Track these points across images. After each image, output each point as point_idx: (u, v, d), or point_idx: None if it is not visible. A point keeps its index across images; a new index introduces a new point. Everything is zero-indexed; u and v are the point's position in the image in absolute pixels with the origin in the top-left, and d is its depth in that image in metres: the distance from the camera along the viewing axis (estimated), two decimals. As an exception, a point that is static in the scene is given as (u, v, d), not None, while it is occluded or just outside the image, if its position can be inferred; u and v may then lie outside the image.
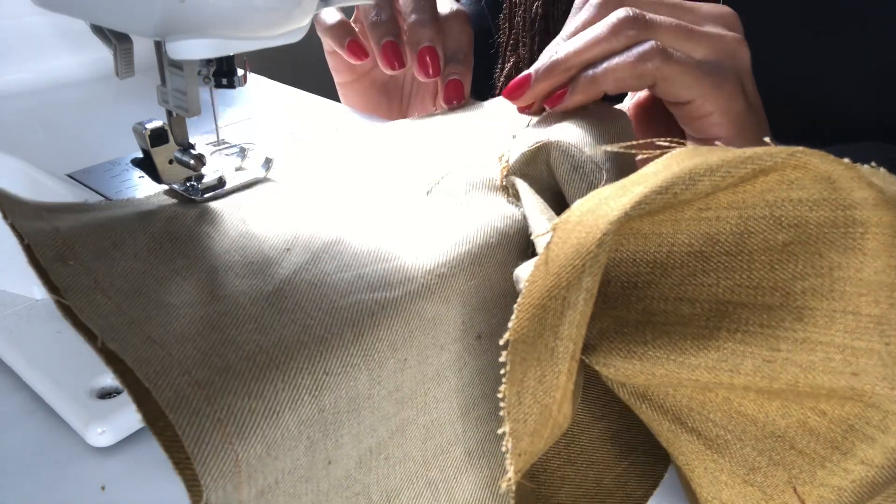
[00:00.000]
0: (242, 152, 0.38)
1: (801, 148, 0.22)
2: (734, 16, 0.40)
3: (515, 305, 0.23)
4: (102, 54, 0.33)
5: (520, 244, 0.33)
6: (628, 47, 0.37)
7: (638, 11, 0.37)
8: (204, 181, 0.35)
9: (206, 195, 0.35)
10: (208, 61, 0.32)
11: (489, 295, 0.31)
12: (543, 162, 0.35)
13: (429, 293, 0.29)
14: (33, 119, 0.48)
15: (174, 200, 0.34)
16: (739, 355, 0.22)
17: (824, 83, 0.51)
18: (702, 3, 0.40)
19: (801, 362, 0.22)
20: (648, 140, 0.30)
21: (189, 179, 0.35)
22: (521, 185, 0.34)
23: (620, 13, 0.37)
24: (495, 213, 0.34)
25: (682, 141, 0.26)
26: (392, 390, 0.28)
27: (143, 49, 0.33)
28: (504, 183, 0.36)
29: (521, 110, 0.42)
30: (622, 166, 0.34)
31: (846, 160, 0.22)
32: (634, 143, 0.29)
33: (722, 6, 0.40)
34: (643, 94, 0.44)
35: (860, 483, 0.23)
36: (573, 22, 0.40)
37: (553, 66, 0.39)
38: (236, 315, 0.26)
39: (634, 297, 0.25)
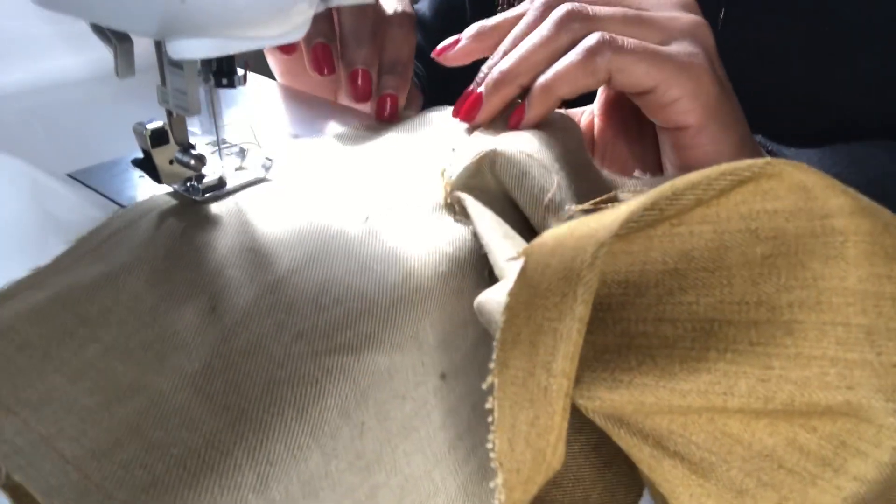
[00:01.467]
0: (242, 152, 0.38)
1: (772, 158, 0.21)
2: (691, 2, 0.38)
3: (495, 342, 0.21)
4: (102, 54, 0.33)
5: (475, 265, 0.31)
6: (575, 43, 0.35)
7: (580, 5, 0.35)
8: (204, 181, 0.35)
9: (206, 195, 0.35)
10: (208, 61, 0.32)
11: (448, 328, 0.29)
12: (488, 172, 0.33)
13: (378, 344, 0.27)
14: (33, 119, 0.48)
15: (166, 204, 0.34)
16: (732, 376, 0.21)
17: (832, 80, 0.50)
18: None
19: (795, 379, 0.21)
20: (606, 197, 0.29)
21: (189, 179, 0.35)
22: (470, 202, 0.32)
23: (561, 10, 0.35)
24: (443, 238, 0.31)
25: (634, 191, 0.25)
26: (353, 460, 0.25)
27: (143, 49, 0.33)
28: (449, 200, 0.34)
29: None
30: (576, 169, 0.33)
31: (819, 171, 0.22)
32: (599, 199, 0.29)
33: None
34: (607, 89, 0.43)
35: (852, 500, 0.22)
36: (517, 28, 0.38)
37: (500, 80, 0.37)
38: (159, 409, 0.24)
39: (610, 319, 0.24)
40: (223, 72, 0.32)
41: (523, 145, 0.33)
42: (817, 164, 0.36)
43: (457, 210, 0.33)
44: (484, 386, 0.21)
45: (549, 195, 0.31)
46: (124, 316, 0.28)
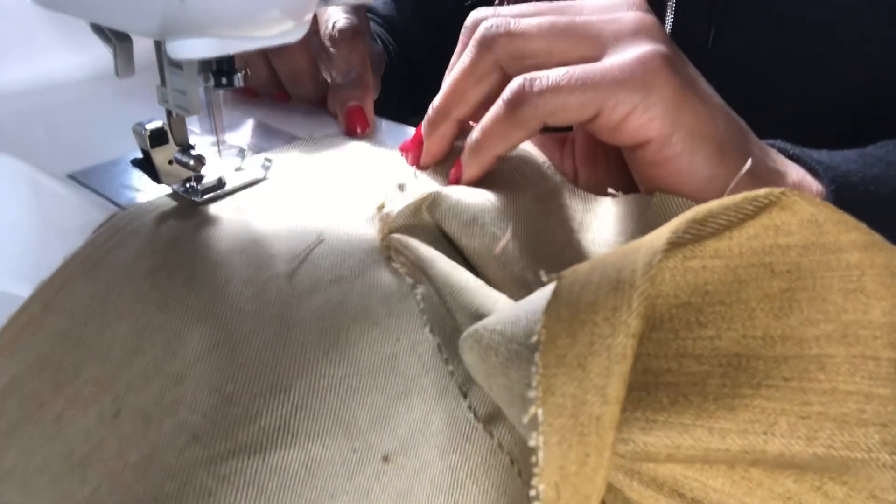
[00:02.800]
0: (242, 153, 0.38)
1: (787, 189, 0.21)
2: (641, 1, 0.34)
3: (534, 367, 0.19)
4: (102, 54, 0.32)
5: (411, 325, 0.28)
6: (499, 64, 0.32)
7: (500, 21, 0.32)
8: (204, 182, 0.35)
9: (205, 196, 0.35)
10: (208, 61, 0.32)
11: (382, 403, 0.26)
12: (426, 212, 0.31)
13: (290, 436, 0.24)
14: (33, 119, 0.48)
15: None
16: (771, 413, 0.20)
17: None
18: None
19: (834, 416, 0.20)
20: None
21: (189, 180, 0.35)
22: (417, 247, 0.29)
23: (480, 30, 0.32)
24: (376, 293, 0.29)
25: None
26: None
27: (143, 49, 0.33)
28: (385, 241, 0.31)
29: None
30: (533, 216, 0.31)
31: (830, 204, 0.22)
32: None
33: None
34: None
35: None
36: (454, 57, 0.36)
37: (433, 118, 0.35)
38: None
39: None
40: (223, 72, 0.32)
41: (472, 191, 0.31)
42: (857, 165, 0.33)
43: (393, 254, 0.30)
44: (525, 420, 0.18)
45: (502, 244, 0.29)
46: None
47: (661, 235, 0.20)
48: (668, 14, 0.51)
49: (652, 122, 0.29)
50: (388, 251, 0.31)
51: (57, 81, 0.54)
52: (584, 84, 0.29)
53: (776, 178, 0.32)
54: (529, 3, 0.34)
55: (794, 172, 0.33)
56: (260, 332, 0.27)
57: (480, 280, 0.28)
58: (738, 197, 0.21)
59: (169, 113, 0.33)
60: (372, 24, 0.63)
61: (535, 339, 0.19)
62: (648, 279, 0.18)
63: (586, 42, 0.31)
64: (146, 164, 0.34)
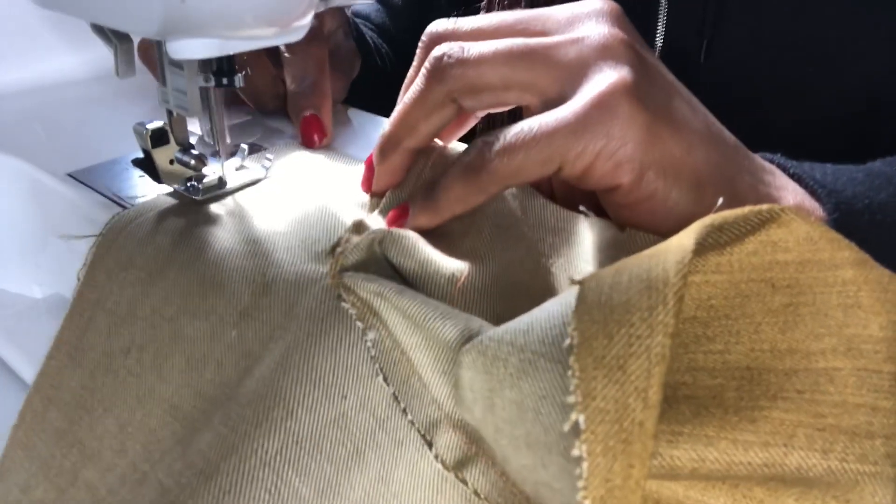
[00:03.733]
0: (242, 152, 0.38)
1: (786, 207, 0.22)
2: (613, 10, 0.30)
3: (571, 372, 0.18)
4: (102, 54, 0.33)
5: (361, 386, 0.26)
6: (451, 96, 0.30)
7: (454, 47, 0.29)
8: (204, 181, 0.35)
9: (206, 195, 0.35)
10: (208, 61, 0.32)
11: (335, 469, 0.25)
12: (378, 248, 0.29)
13: None
14: (33, 119, 0.48)
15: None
16: (789, 425, 0.20)
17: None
18: (562, 7, 0.31)
19: (846, 428, 0.20)
20: None
21: (189, 180, 0.35)
22: (372, 283, 0.27)
23: (431, 57, 0.30)
24: (320, 351, 0.26)
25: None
26: None
27: (143, 49, 0.33)
28: (335, 280, 0.28)
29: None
30: (487, 251, 0.29)
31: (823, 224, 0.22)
32: None
33: (593, 1, 0.31)
34: None
35: None
36: (407, 77, 0.34)
37: (383, 147, 0.32)
38: None
39: None
40: (223, 71, 0.32)
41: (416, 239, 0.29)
42: (863, 187, 0.31)
43: (343, 293, 0.28)
44: (566, 427, 0.17)
45: (459, 284, 0.27)
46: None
47: (687, 237, 0.20)
48: (659, 28, 0.50)
49: (618, 167, 0.27)
50: (338, 289, 0.28)
51: (57, 81, 0.54)
52: (541, 139, 0.27)
53: (769, 202, 0.30)
54: (490, 16, 0.32)
55: (792, 196, 0.30)
56: (208, 415, 0.27)
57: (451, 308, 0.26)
58: (746, 209, 0.21)
59: (169, 113, 0.33)
60: (366, 31, 0.63)
61: (567, 342, 0.18)
62: (681, 277, 0.18)
63: (545, 74, 0.28)
64: (147, 164, 0.34)
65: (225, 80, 0.32)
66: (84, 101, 0.52)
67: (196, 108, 0.32)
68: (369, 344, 0.26)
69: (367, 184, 0.34)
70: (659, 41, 0.50)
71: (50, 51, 0.55)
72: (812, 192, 0.30)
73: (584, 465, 0.16)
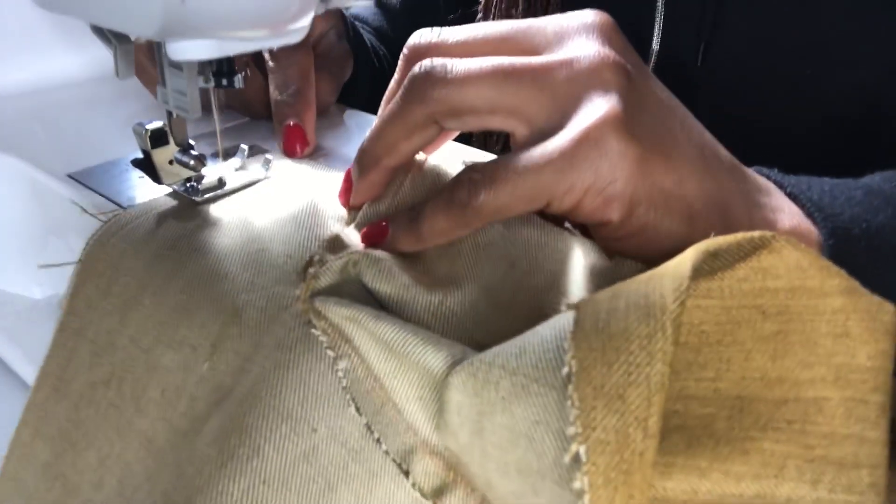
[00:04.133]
0: (242, 153, 0.38)
1: (776, 234, 0.22)
2: (604, 24, 0.29)
3: (569, 401, 0.17)
4: (102, 54, 0.33)
5: (333, 440, 0.25)
6: (433, 118, 0.28)
7: (437, 64, 0.28)
8: (204, 182, 0.35)
9: (206, 196, 0.35)
10: (208, 62, 0.32)
11: None
12: (355, 275, 0.28)
13: None
14: (33, 119, 0.48)
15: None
16: (780, 457, 0.20)
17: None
18: (552, 19, 0.29)
19: (834, 459, 0.20)
20: None
21: (189, 180, 0.35)
22: (345, 308, 0.26)
23: (412, 74, 0.28)
24: (288, 382, 0.25)
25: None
26: None
27: (143, 49, 0.33)
28: (306, 304, 0.27)
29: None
30: (468, 274, 0.28)
31: (813, 251, 0.22)
32: None
33: (585, 12, 0.29)
34: None
35: None
36: (389, 88, 0.32)
37: (362, 163, 0.31)
38: None
39: None
40: (223, 72, 0.32)
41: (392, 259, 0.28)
42: (860, 209, 0.30)
43: (314, 319, 0.26)
44: (566, 459, 0.17)
45: (439, 308, 0.27)
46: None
47: (683, 263, 0.20)
48: (656, 31, 0.50)
49: (607, 204, 0.26)
50: (308, 314, 0.27)
51: (57, 81, 0.54)
52: (527, 176, 0.26)
53: (763, 229, 0.28)
54: (476, 28, 0.30)
55: (788, 219, 0.29)
56: (178, 450, 0.26)
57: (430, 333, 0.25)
58: (739, 236, 0.21)
59: (169, 113, 0.34)
60: (364, 33, 0.63)
61: (565, 370, 0.18)
62: (679, 304, 0.18)
63: (532, 100, 0.27)
64: (146, 165, 0.34)
65: (224, 82, 0.32)
66: (84, 101, 0.52)
67: (196, 110, 0.32)
68: (340, 374, 0.25)
69: (345, 196, 0.33)
70: (655, 44, 0.51)
71: (50, 51, 0.55)
72: (808, 214, 0.30)
73: (587, 497, 0.16)
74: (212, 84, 0.32)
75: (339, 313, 0.26)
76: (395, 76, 0.32)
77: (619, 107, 0.26)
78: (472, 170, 0.27)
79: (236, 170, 0.37)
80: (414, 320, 0.26)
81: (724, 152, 0.30)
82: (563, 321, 0.20)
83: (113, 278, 0.31)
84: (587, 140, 0.25)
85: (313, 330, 0.26)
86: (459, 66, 0.27)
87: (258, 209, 0.34)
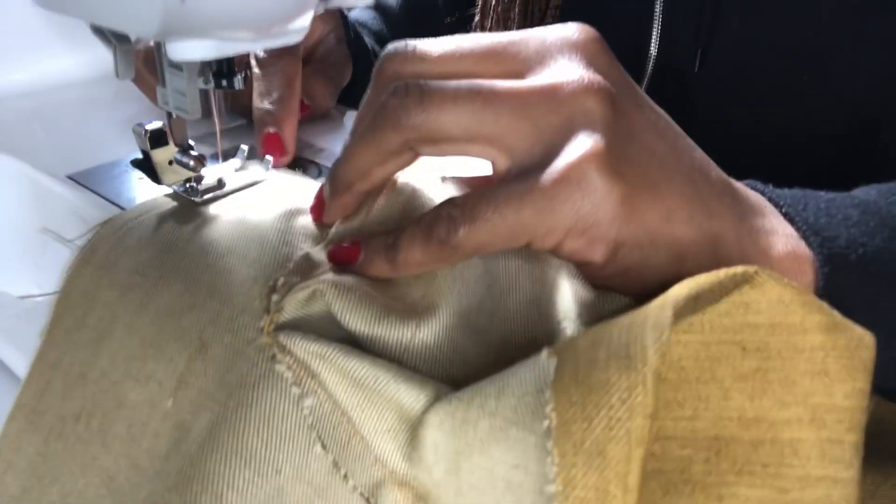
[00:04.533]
0: (242, 153, 0.38)
1: (759, 268, 0.22)
2: (588, 41, 0.27)
3: (550, 458, 0.17)
4: (102, 54, 0.33)
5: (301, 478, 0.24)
6: (409, 145, 0.27)
7: (406, 93, 0.26)
8: (203, 182, 0.35)
9: (205, 196, 0.35)
10: (208, 62, 0.32)
11: None
12: (324, 307, 0.26)
13: None
14: (33, 119, 0.48)
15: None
16: (755, 502, 0.20)
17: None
18: (534, 34, 0.28)
19: (809, 501, 0.20)
20: None
21: (189, 180, 0.35)
22: (312, 344, 0.25)
23: (386, 98, 0.27)
24: (250, 424, 0.24)
25: None
26: None
27: (143, 50, 0.33)
28: (270, 337, 0.26)
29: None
30: (449, 301, 0.27)
31: (796, 284, 0.22)
32: None
33: (568, 27, 0.28)
34: None
35: None
36: (361, 106, 0.31)
37: (334, 186, 0.30)
38: None
39: None
40: (223, 73, 0.32)
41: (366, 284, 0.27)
42: (858, 231, 0.29)
43: (278, 353, 0.25)
44: None
45: (412, 339, 0.26)
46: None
47: (664, 307, 0.20)
48: (654, 38, 0.50)
49: (590, 245, 0.25)
50: (273, 349, 0.26)
51: (57, 82, 0.54)
52: (507, 214, 0.25)
53: (755, 258, 0.27)
54: (454, 42, 0.28)
55: (782, 243, 0.28)
56: (137, 490, 0.26)
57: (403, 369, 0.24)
58: (721, 273, 0.21)
59: (169, 114, 0.33)
60: (365, 37, 0.63)
61: (546, 423, 0.18)
62: (659, 356, 0.18)
63: (513, 130, 0.26)
64: (146, 165, 0.34)
65: (224, 82, 0.32)
66: (84, 102, 0.52)
67: (195, 110, 0.32)
68: (306, 412, 0.25)
69: (317, 212, 0.32)
70: (653, 51, 0.51)
71: (50, 52, 0.55)
72: (804, 237, 0.28)
73: None
74: (211, 85, 0.32)
75: (305, 348, 0.25)
76: (368, 92, 0.30)
77: (602, 142, 0.25)
78: (451, 205, 0.26)
79: (236, 170, 0.37)
80: (385, 355, 0.25)
81: (715, 173, 0.28)
82: (542, 365, 0.20)
83: (89, 309, 0.30)
84: (569, 179, 0.24)
85: (278, 365, 0.25)
86: (435, 90, 0.26)
87: (234, 221, 0.32)
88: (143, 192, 0.37)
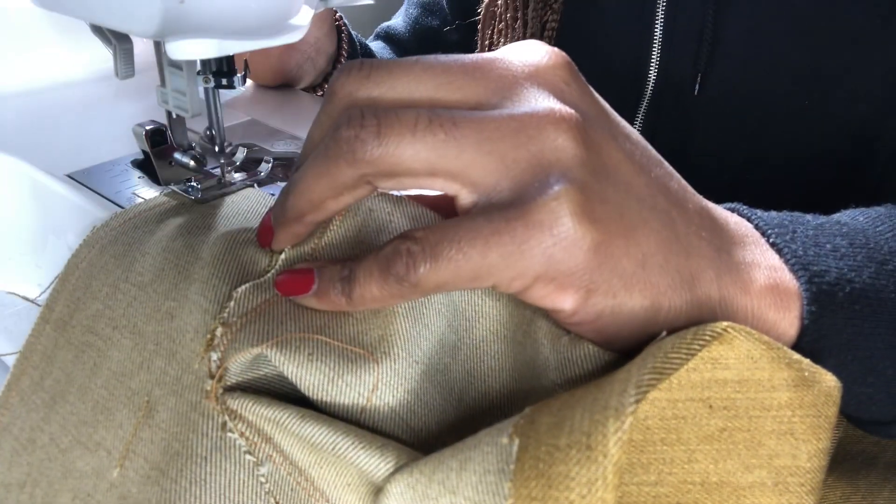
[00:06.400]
0: (242, 152, 0.38)
1: (731, 324, 0.21)
2: (559, 67, 0.26)
3: None
4: (102, 54, 0.33)
5: None
6: (366, 179, 0.25)
7: (362, 125, 0.24)
8: (203, 182, 0.35)
9: (205, 196, 0.35)
10: (208, 61, 0.32)
11: None
12: (273, 358, 0.24)
13: None
14: (33, 119, 0.48)
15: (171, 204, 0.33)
16: None
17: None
18: (498, 58, 0.26)
19: None
20: None
21: (188, 180, 0.35)
22: (265, 408, 0.24)
23: (334, 140, 0.24)
24: (208, 494, 0.24)
25: None
26: None
27: (143, 49, 0.33)
28: (219, 403, 0.24)
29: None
30: (407, 348, 0.26)
31: (766, 338, 0.22)
32: None
33: (535, 50, 0.26)
34: None
35: None
36: (312, 128, 0.28)
37: (283, 216, 0.27)
38: None
39: None
40: (223, 72, 0.32)
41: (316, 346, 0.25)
42: (847, 264, 0.28)
43: (230, 420, 0.24)
44: None
45: (371, 397, 0.24)
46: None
47: (625, 391, 0.19)
48: (654, 61, 0.50)
49: (560, 292, 0.24)
50: (223, 416, 0.24)
51: (57, 81, 0.54)
52: (471, 255, 0.23)
53: (735, 294, 0.26)
54: (414, 63, 0.26)
55: (764, 276, 0.26)
56: None
57: (361, 430, 0.23)
58: (688, 336, 0.21)
59: (169, 113, 0.34)
60: (374, 44, 0.63)
61: None
62: (620, 446, 0.18)
63: (478, 165, 0.24)
64: (146, 165, 0.34)
65: (224, 81, 0.32)
66: (84, 101, 0.52)
67: (195, 110, 0.32)
68: (262, 479, 0.24)
69: (264, 240, 0.29)
70: (653, 72, 0.51)
71: (50, 51, 0.55)
72: (792, 270, 0.27)
73: None
74: (212, 84, 0.32)
75: (258, 413, 0.24)
76: (319, 116, 0.27)
77: (576, 184, 0.23)
78: (410, 238, 0.24)
79: (236, 171, 0.37)
80: (343, 416, 0.24)
81: (693, 204, 0.27)
82: (504, 449, 0.19)
83: (46, 372, 0.29)
84: (541, 224, 0.23)
85: (230, 434, 0.24)
86: (394, 121, 0.24)
87: (187, 246, 0.30)
88: (143, 191, 0.37)
